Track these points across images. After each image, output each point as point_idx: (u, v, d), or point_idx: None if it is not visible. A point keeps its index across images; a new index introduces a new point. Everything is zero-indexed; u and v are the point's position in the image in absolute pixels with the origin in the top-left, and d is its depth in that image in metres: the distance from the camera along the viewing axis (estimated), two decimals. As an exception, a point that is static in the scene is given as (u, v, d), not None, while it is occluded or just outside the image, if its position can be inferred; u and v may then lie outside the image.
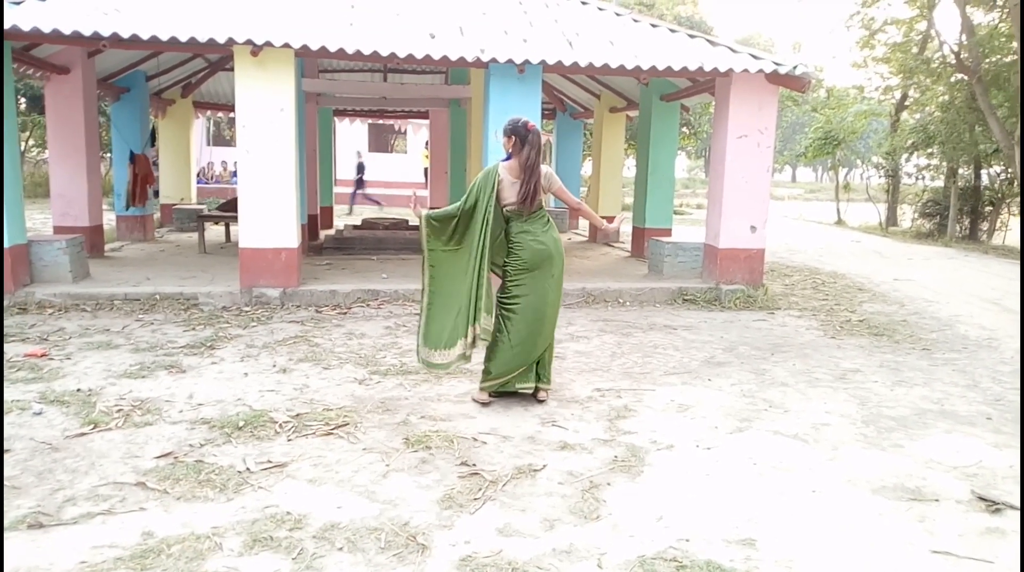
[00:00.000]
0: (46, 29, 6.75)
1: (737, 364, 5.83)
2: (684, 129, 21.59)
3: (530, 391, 4.74)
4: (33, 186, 20.47)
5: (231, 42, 7.05)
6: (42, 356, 5.46)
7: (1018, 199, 16.90)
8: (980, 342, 6.73)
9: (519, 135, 4.52)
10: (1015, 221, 17.84)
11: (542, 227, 4.62)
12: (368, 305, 7.63)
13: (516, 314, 4.58)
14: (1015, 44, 13.05)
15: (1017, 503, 3.44)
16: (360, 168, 20.58)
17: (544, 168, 4.62)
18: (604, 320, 7.30)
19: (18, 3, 7.05)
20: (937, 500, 3.48)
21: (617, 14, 9.13)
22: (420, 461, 3.76)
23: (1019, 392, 5.22)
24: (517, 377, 4.68)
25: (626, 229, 12.92)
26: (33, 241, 7.70)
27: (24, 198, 7.83)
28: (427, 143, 20.70)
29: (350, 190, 21.22)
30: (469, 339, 4.52)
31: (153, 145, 13.30)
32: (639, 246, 11.10)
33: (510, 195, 4.52)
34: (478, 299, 4.47)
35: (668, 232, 10.97)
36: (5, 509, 3.11)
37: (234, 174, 21.29)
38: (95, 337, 6.10)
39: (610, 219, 5.00)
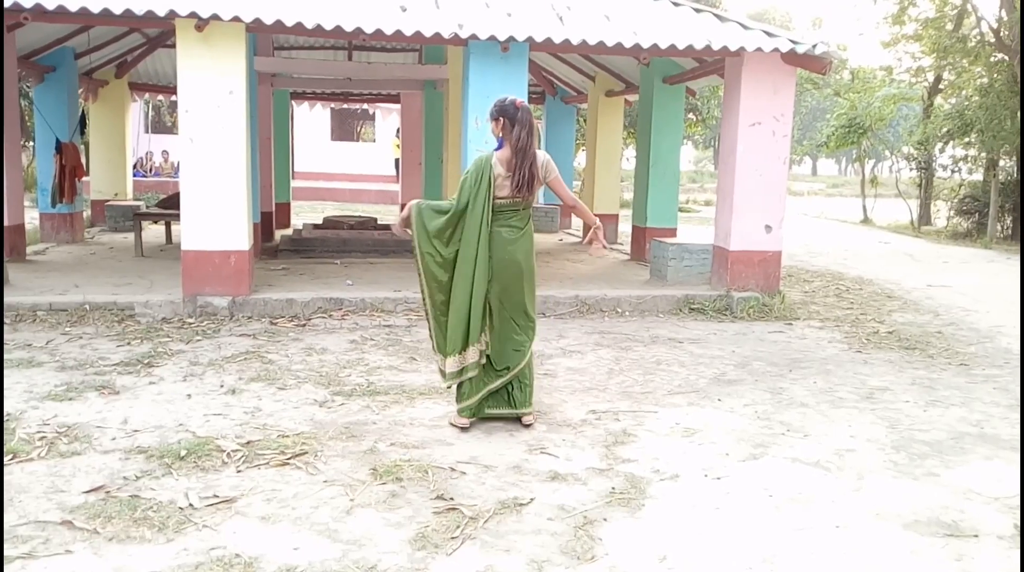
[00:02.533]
0: (-42, -1, 6.69)
1: (751, 382, 5.86)
2: (690, 115, 21.70)
3: (507, 416, 4.75)
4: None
5: (172, 14, 7.02)
6: (-48, 376, 5.40)
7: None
8: (1024, 356, 6.80)
9: (507, 115, 4.53)
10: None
11: (518, 230, 4.64)
12: (330, 316, 7.61)
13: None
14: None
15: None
16: None
17: (541, 154, 4.63)
18: (600, 332, 7.32)
19: None
20: (976, 535, 3.51)
21: (614, -15, 9.17)
22: (389, 495, 3.75)
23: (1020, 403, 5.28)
24: (489, 400, 4.71)
25: (625, 229, 12.98)
26: (-57, 243, 7.63)
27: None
28: (398, 131, 20.72)
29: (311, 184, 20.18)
30: (479, 347, 4.61)
31: (83, 132, 13.21)
32: (640, 248, 11.14)
33: (504, 187, 4.54)
34: (477, 313, 4.56)
35: (673, 232, 11.01)
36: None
37: (176, 166, 21.17)
38: (14, 353, 6.04)
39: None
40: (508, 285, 4.64)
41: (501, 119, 4.56)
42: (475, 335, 4.58)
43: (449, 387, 4.82)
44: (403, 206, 4.78)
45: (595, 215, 5.11)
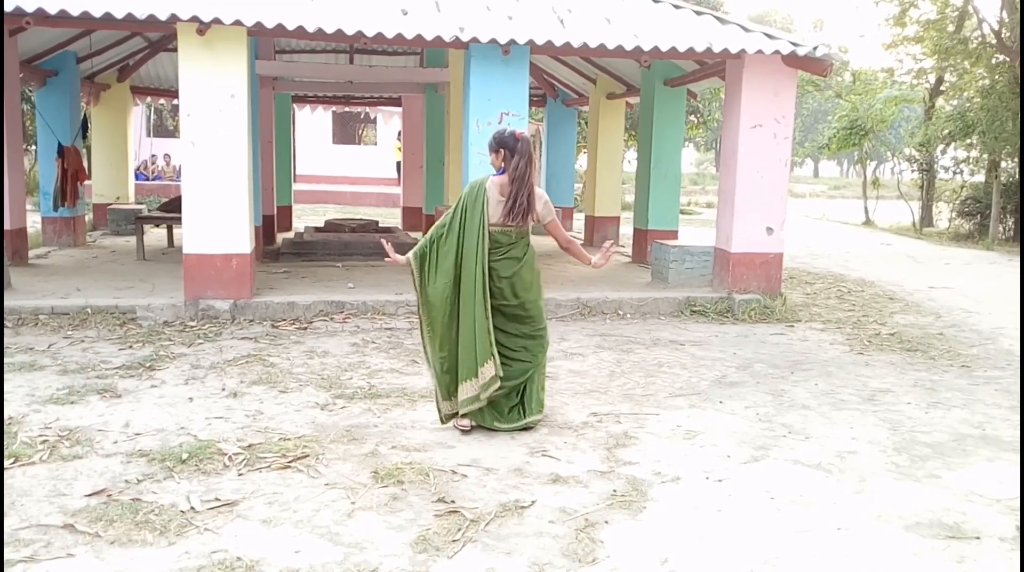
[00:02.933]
0: (-40, 4, 6.71)
1: (752, 384, 5.86)
2: (691, 118, 21.72)
3: (515, 429, 4.73)
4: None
5: (174, 19, 7.04)
6: (-45, 379, 5.41)
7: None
8: (1026, 358, 6.79)
9: (507, 146, 4.54)
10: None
11: (517, 261, 4.63)
12: (332, 319, 7.62)
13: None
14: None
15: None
16: None
17: (540, 192, 4.64)
18: (601, 335, 7.32)
19: None
20: (978, 537, 3.51)
21: (615, -13, 9.18)
22: (391, 498, 3.75)
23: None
24: (495, 412, 4.69)
25: (626, 231, 12.98)
26: (-55, 247, 7.65)
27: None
28: (400, 134, 20.74)
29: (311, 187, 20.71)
30: (491, 369, 4.55)
31: (85, 136, 13.24)
32: (641, 251, 11.14)
33: (496, 212, 4.54)
34: (483, 340, 4.52)
35: (674, 234, 11.02)
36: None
37: (178, 170, 21.20)
38: (17, 357, 6.05)
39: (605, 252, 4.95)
40: (511, 316, 4.66)
41: (501, 151, 4.57)
42: (484, 356, 4.52)
43: (463, 415, 4.67)
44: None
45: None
